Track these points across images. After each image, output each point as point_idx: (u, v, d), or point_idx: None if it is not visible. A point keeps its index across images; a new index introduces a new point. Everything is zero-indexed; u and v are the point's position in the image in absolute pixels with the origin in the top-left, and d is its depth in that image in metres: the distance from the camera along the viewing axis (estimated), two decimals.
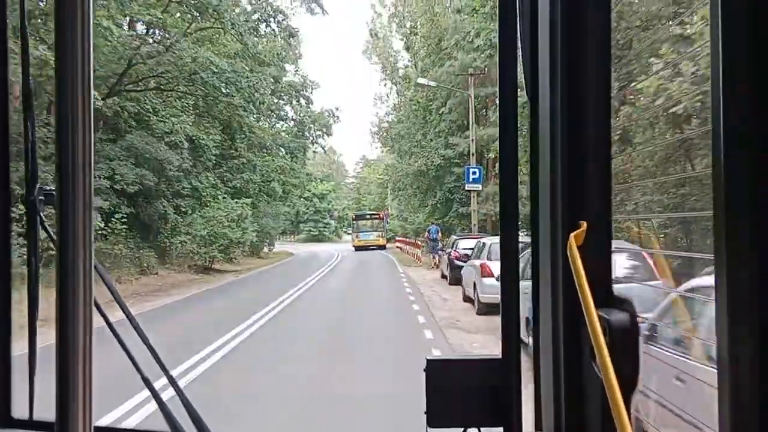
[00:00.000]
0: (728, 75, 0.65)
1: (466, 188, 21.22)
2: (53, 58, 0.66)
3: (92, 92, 0.69)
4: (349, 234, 64.52)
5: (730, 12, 0.64)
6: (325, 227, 63.84)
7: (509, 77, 1.00)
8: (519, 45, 1.06)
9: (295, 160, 35.60)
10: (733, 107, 0.66)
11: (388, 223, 47.53)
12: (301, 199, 73.58)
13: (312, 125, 38.23)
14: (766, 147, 0.64)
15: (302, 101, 36.65)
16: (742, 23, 0.64)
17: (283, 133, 36.75)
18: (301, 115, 37.93)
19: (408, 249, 30.66)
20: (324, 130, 41.17)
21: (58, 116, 0.68)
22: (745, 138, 0.65)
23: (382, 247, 40.35)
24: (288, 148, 34.85)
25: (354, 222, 45.07)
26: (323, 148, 42.10)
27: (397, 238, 39.81)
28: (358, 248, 40.20)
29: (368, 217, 45.08)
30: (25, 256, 1.02)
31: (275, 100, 35.45)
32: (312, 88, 38.35)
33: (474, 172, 20.32)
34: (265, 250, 31.37)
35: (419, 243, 25.74)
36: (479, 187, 20.39)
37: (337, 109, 42.84)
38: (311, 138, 40.06)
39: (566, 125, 1.05)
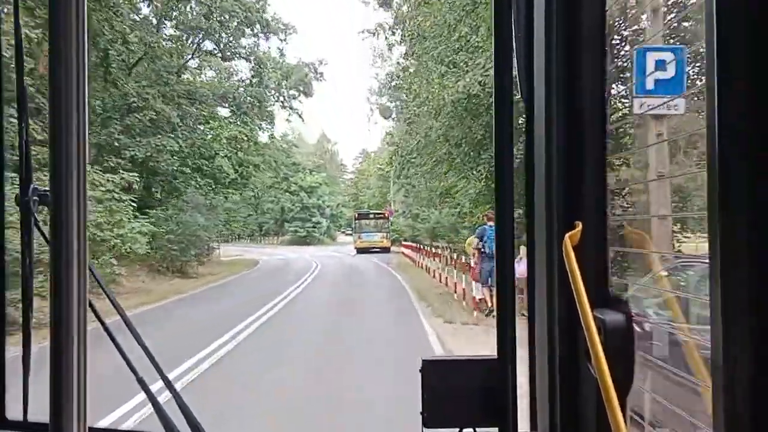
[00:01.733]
0: (724, 71, 0.69)
1: (638, 107, 4.17)
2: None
3: (86, 93, 0.75)
4: (348, 234, 59.76)
5: (726, 6, 0.69)
6: (314, 227, 51.48)
7: (504, 78, 1.06)
8: (514, 46, 1.11)
9: (249, 123, 25.62)
10: (730, 104, 0.69)
11: (391, 222, 44.30)
12: (286, 193, 59.43)
13: (284, 81, 28.76)
14: (762, 145, 0.68)
15: (258, 30, 21.89)
16: (739, 17, 0.68)
17: (240, 90, 26.39)
18: (261, 62, 23.20)
19: (426, 263, 20.70)
20: (301, 88, 32.04)
21: (51, 117, 0.72)
22: (741, 135, 0.69)
23: (386, 250, 39.26)
24: (234, 101, 24.44)
25: (356, 222, 42.73)
26: (300, 116, 33.33)
27: (404, 243, 34.18)
28: (360, 250, 38.57)
29: (372, 216, 42.75)
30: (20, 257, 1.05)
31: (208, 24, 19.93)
32: (286, 33, 28.18)
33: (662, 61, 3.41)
34: (195, 265, 21.16)
35: (447, 255, 16.36)
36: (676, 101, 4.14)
37: (321, 62, 29.98)
38: (281, 97, 30.24)
39: (561, 125, 1.09)
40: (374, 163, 66.14)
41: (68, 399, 0.70)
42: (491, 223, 10.17)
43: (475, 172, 13.86)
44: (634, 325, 1.00)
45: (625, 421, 0.87)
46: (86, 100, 0.72)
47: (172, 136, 18.27)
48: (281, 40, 26.68)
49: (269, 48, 28.15)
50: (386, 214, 42.49)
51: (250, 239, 66.25)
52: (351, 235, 45.69)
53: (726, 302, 0.67)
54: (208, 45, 23.60)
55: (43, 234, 0.99)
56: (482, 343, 8.14)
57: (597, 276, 1.03)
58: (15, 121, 1.06)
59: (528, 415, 1.14)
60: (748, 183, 0.67)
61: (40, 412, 0.90)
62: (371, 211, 46.39)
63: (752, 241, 0.66)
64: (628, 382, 0.97)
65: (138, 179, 15.30)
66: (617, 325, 0.97)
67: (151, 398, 1.11)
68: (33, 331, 1.09)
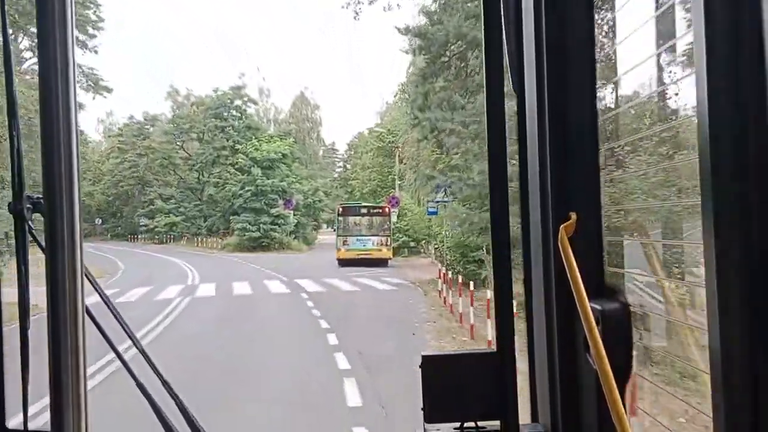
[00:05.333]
0: (713, 68, 0.84)
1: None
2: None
3: (76, 99, 0.87)
4: (332, 231, 47.83)
5: (712, 4, 0.86)
6: (274, 224, 37.23)
7: (495, 70, 1.19)
8: (504, 38, 1.25)
9: None
10: (718, 100, 0.84)
11: (397, 219, 34.91)
12: (232, 168, 46.07)
13: None
14: (751, 139, 0.81)
15: None
16: (724, 16, 0.83)
17: None
18: None
19: None
20: None
21: (42, 124, 0.83)
22: (730, 130, 0.83)
23: (382, 262, 31.05)
24: None
25: (340, 219, 33.62)
26: None
27: (454, 277, 17.28)
28: (345, 262, 31.08)
29: (364, 211, 33.97)
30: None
31: None
32: None
33: None
34: None
35: None
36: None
37: None
38: None
39: (553, 117, 1.26)
40: (372, 135, 59.66)
41: (68, 406, 0.79)
42: None
43: None
44: (631, 314, 1.21)
45: (626, 410, 1.03)
46: (76, 107, 0.85)
47: None
48: None
49: None
50: (386, 209, 34.57)
51: (187, 241, 53.18)
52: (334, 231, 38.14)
53: (720, 292, 0.81)
54: None
55: (37, 241, 1.12)
56: None
57: (593, 266, 1.23)
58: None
59: (529, 408, 1.37)
60: (738, 177, 0.81)
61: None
62: (363, 204, 38.38)
63: (744, 234, 0.81)
64: (627, 371, 1.15)
65: None
66: (614, 314, 1.16)
67: (151, 402, 1.30)
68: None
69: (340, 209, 34.79)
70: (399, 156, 47.18)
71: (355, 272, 27.22)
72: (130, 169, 59.29)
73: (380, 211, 33.84)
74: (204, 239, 53.02)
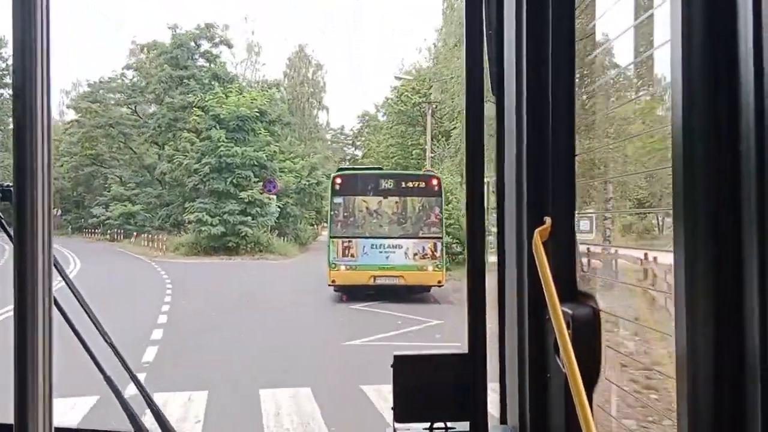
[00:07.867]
0: (686, 72, 0.87)
1: None
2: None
3: (51, 85, 0.86)
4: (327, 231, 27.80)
5: (689, 11, 0.90)
6: (246, 214, 17.65)
7: (475, 74, 1.24)
8: (485, 44, 1.31)
9: None
10: (691, 105, 0.86)
11: (442, 200, 19.80)
12: (183, 135, 37.94)
13: None
14: (723, 143, 0.84)
15: None
16: (701, 21, 0.87)
17: None
18: None
19: None
20: None
21: (15, 111, 0.85)
22: (702, 134, 0.86)
23: (425, 289, 18.53)
24: None
25: (337, 200, 17.71)
26: None
27: None
28: (345, 290, 17.97)
29: (388, 185, 17.95)
30: None
31: None
32: None
33: None
34: None
35: None
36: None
37: None
38: None
39: (531, 123, 1.29)
40: (388, 101, 46.24)
41: (33, 398, 0.79)
42: None
43: None
44: (601, 319, 1.31)
45: (593, 413, 1.06)
46: (50, 93, 0.86)
47: None
48: None
49: None
50: (435, 182, 19.17)
51: (136, 238, 39.55)
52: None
53: (689, 295, 0.86)
54: None
55: (6, 230, 1.12)
56: None
57: (565, 271, 1.24)
58: None
59: (498, 410, 1.39)
60: (710, 179, 0.86)
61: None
62: (385, 172, 23.39)
63: (714, 236, 0.85)
64: (595, 375, 1.17)
65: None
66: (585, 319, 1.16)
67: (118, 396, 1.28)
68: None
69: (338, 182, 19.14)
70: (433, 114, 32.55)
71: (363, 331, 13.40)
72: (82, 145, 48.63)
73: (423, 184, 19.00)
74: (155, 236, 38.86)
